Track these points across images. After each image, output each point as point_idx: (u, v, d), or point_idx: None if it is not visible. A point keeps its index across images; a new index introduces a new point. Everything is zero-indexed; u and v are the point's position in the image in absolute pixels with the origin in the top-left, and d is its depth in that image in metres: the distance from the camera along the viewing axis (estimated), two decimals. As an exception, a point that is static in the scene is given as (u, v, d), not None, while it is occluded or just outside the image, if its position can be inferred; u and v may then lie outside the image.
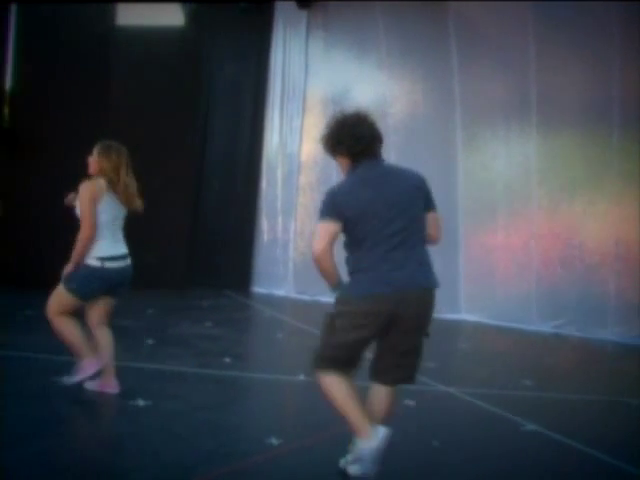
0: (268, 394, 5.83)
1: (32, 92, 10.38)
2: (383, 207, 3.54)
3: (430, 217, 3.71)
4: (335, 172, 11.39)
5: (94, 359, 5.01)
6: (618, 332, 8.92)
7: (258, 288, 12.25)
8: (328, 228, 3.54)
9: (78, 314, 5.10)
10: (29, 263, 9.41)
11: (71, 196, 5.17)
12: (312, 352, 3.71)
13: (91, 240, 4.86)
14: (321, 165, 11.59)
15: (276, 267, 12.25)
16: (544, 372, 7.12)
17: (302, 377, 5.94)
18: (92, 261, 4.90)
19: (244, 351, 7.90)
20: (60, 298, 4.95)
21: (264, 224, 12.42)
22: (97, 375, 5.11)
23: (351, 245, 3.63)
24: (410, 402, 5.16)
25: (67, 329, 4.99)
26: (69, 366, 5.18)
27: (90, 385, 5.13)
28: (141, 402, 4.95)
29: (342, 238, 3.66)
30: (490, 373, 6.87)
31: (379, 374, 3.72)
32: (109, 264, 4.94)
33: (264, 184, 12.41)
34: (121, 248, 5.12)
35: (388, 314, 3.51)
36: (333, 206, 3.56)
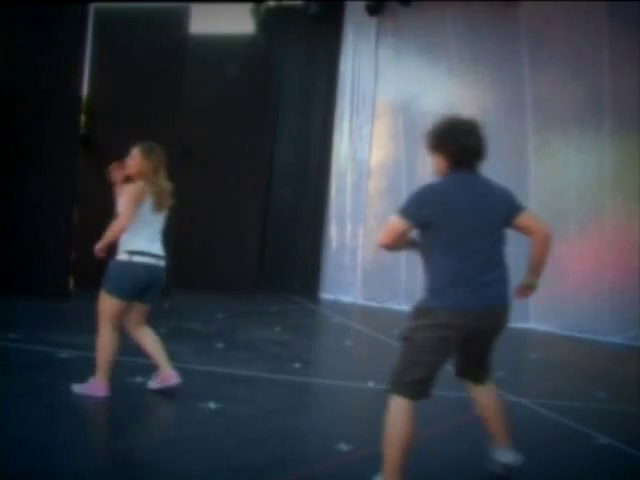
0: (338, 400, 5.84)
1: (108, 98, 10.64)
2: (477, 220, 3.47)
3: (526, 217, 3.60)
4: (405, 179, 11.52)
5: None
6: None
7: (326, 294, 12.32)
8: (398, 228, 3.44)
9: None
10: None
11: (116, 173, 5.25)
12: (391, 373, 3.57)
13: (122, 231, 4.93)
14: (391, 172, 11.59)
15: (344, 273, 12.29)
16: (616, 384, 6.98)
17: (371, 384, 5.95)
18: (122, 256, 4.99)
19: (313, 357, 7.95)
20: (103, 303, 5.02)
21: (333, 231, 12.49)
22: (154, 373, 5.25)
23: (435, 250, 3.51)
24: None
25: (105, 343, 5.04)
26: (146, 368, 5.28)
27: (153, 385, 5.24)
28: (212, 405, 5.01)
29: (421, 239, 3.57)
30: (561, 384, 6.76)
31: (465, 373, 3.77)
32: (137, 258, 4.97)
33: (333, 191, 12.48)
34: (155, 247, 5.11)
35: (473, 329, 3.46)
36: (417, 204, 3.46)
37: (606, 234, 9.61)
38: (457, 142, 3.53)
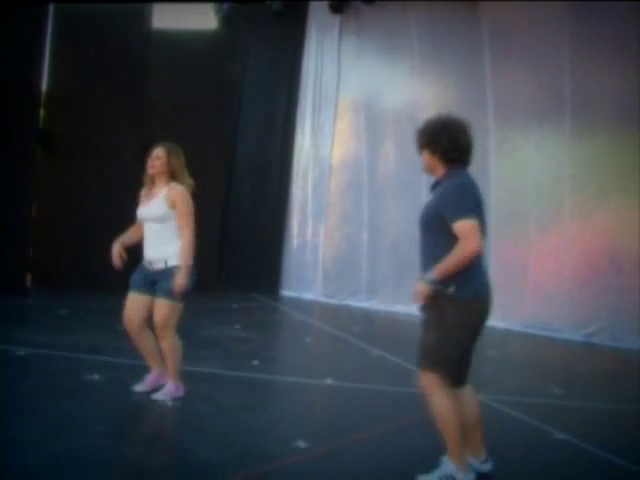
0: (296, 397, 5.84)
1: (68, 93, 10.49)
2: (484, 214, 3.65)
3: None
4: (366, 176, 11.52)
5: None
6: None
7: (287, 291, 12.30)
8: (476, 227, 3.48)
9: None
10: (70, 263, 9.53)
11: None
12: (422, 351, 3.62)
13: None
14: (352, 169, 11.59)
15: (305, 271, 12.28)
16: (574, 381, 7.07)
17: (329, 381, 5.95)
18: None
19: (273, 354, 7.93)
20: (172, 311, 5.08)
21: (294, 227, 12.46)
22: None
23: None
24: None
25: (177, 348, 5.13)
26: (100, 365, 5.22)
27: (139, 387, 5.22)
28: (170, 402, 4.99)
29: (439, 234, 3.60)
30: (519, 381, 6.82)
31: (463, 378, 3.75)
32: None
33: (295, 188, 12.45)
34: None
35: (488, 314, 3.62)
36: (472, 201, 3.59)
37: (565, 233, 9.69)
38: (450, 140, 3.67)
